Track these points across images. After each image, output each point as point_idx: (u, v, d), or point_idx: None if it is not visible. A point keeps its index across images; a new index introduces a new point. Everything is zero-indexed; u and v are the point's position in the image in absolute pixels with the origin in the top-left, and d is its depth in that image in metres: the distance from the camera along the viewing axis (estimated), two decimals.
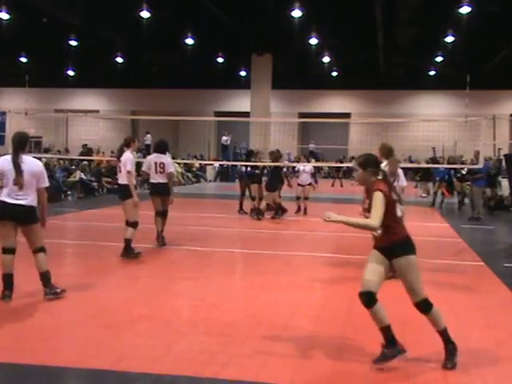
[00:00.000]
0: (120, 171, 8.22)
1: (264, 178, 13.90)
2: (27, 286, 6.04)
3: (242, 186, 13.85)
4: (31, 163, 5.68)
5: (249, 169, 13.54)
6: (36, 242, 5.73)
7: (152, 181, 9.01)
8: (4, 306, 5.46)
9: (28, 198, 5.58)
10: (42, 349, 4.43)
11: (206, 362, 4.21)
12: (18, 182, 5.51)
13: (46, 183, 5.79)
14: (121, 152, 8.30)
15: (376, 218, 4.01)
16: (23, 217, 5.62)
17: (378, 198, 4.07)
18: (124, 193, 8.12)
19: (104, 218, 12.46)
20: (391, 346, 4.19)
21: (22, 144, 5.68)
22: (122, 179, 8.15)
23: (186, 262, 8.20)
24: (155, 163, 8.91)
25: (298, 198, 14.11)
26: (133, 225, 8.09)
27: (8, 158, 5.63)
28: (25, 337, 4.68)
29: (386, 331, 4.19)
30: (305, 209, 14.00)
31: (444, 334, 4.27)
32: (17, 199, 5.55)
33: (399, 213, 4.24)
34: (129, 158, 8.11)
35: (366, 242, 9.35)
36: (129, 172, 8.00)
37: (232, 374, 4.03)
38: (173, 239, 9.58)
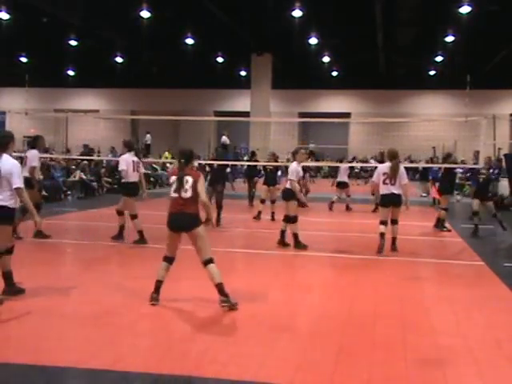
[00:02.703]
0: (137, 171, 9.26)
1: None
2: (26, 286, 6.04)
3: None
4: (5, 162, 5.62)
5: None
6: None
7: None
8: (3, 307, 5.46)
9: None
10: (42, 349, 4.43)
11: (206, 362, 4.21)
12: None
13: (16, 184, 5.55)
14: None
15: None
16: None
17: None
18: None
19: (104, 218, 12.44)
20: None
21: (4, 143, 5.74)
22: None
23: (185, 261, 8.18)
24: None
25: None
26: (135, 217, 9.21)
27: None
28: (25, 337, 4.68)
29: None
30: (347, 206, 15.17)
31: None
32: None
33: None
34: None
35: (366, 242, 9.37)
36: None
37: (232, 373, 4.02)
38: None
